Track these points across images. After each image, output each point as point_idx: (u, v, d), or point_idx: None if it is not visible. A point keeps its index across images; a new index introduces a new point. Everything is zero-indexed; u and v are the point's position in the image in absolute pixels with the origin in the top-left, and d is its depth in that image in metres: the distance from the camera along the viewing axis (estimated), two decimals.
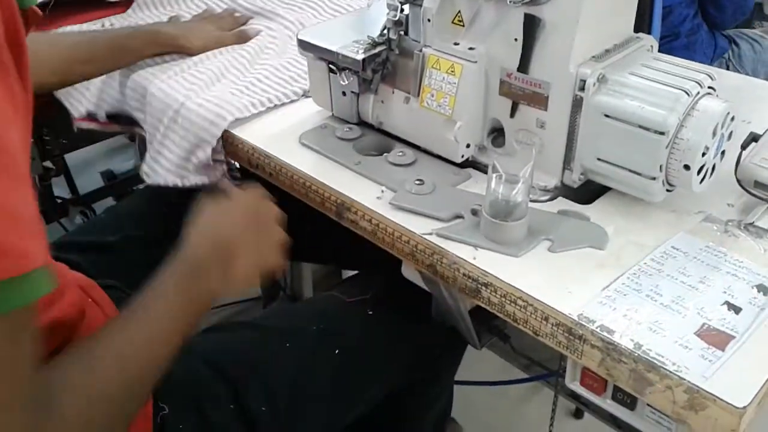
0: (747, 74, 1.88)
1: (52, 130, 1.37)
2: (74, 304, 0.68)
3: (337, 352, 0.86)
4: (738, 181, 0.76)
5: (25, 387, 0.48)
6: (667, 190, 0.74)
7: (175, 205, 1.04)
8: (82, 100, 1.13)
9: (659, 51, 0.82)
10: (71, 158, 1.75)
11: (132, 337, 0.60)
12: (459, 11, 0.81)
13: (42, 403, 0.50)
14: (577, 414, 1.56)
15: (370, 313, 0.91)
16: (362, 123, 0.94)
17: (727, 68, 1.90)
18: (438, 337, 0.98)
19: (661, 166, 0.71)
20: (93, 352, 0.57)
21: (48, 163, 1.43)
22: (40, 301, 0.48)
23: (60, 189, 1.83)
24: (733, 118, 0.73)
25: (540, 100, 0.77)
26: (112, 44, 1.06)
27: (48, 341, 0.58)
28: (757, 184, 0.76)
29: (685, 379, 0.56)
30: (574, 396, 1.27)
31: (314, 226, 0.93)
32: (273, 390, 0.80)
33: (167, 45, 1.08)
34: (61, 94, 1.13)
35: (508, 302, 0.68)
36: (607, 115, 0.73)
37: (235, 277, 0.69)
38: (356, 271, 1.16)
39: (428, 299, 0.90)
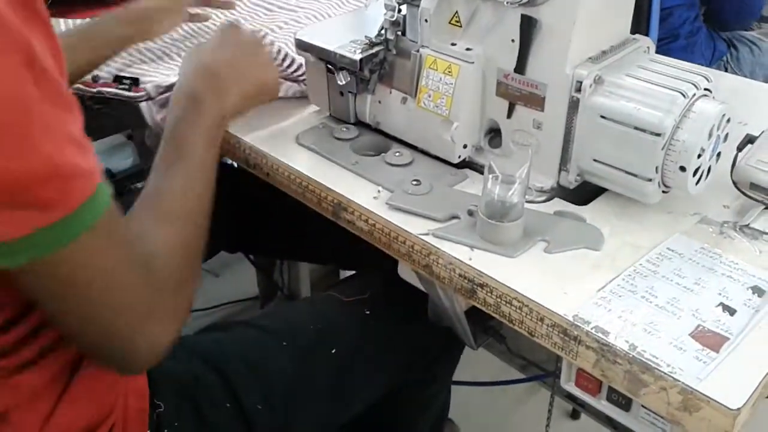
0: (745, 77, 1.88)
1: None
2: None
3: (334, 351, 0.86)
4: (734, 182, 0.77)
5: (131, 261, 0.58)
6: (663, 192, 0.74)
7: None
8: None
9: (658, 52, 0.83)
10: None
11: (180, 183, 0.69)
12: (456, 12, 0.81)
13: (144, 266, 0.60)
14: (574, 415, 1.56)
15: (368, 312, 0.91)
16: (359, 123, 0.94)
17: (726, 71, 1.90)
18: (435, 338, 0.98)
19: (656, 168, 0.71)
20: (160, 206, 0.67)
21: None
22: None
23: None
24: (729, 120, 0.73)
25: (537, 101, 0.78)
26: (85, 32, 1.01)
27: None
28: (753, 186, 0.76)
29: (679, 381, 0.56)
30: (570, 397, 1.27)
31: (311, 226, 0.93)
32: (270, 389, 0.80)
33: (132, 15, 1.02)
34: None
35: (504, 303, 0.68)
36: (603, 117, 0.73)
37: (232, 101, 0.78)
38: (354, 271, 1.16)
39: (426, 299, 0.90)
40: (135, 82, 1.04)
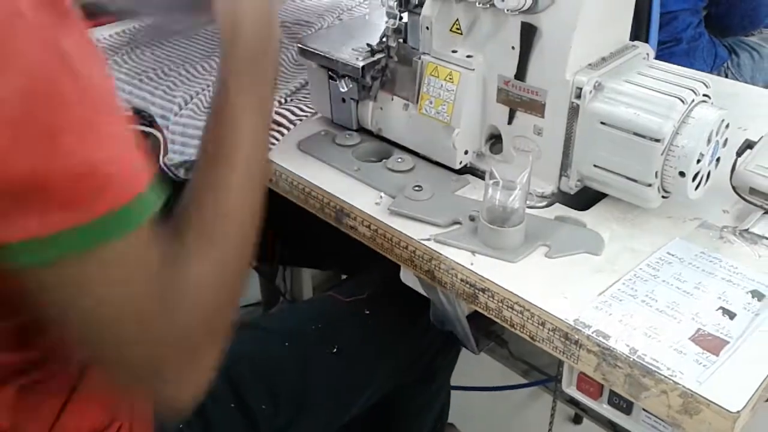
0: (746, 83, 1.88)
1: None
2: None
3: (335, 350, 0.86)
4: (733, 187, 0.77)
5: (159, 279, 0.51)
6: (663, 197, 0.75)
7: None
8: None
9: (660, 56, 0.83)
10: None
11: (227, 195, 0.58)
12: (457, 19, 0.82)
13: (172, 296, 0.52)
14: (576, 420, 1.56)
15: (367, 312, 0.92)
16: (361, 129, 0.95)
17: (726, 77, 1.91)
18: (434, 337, 0.98)
19: (656, 173, 0.72)
20: (202, 224, 0.56)
21: None
22: None
23: None
24: (728, 126, 0.73)
25: (537, 108, 0.78)
26: None
27: None
28: (752, 191, 0.76)
29: (679, 384, 0.57)
30: (572, 402, 1.27)
31: (313, 231, 0.94)
32: (273, 388, 0.81)
33: None
34: None
35: (506, 307, 0.68)
36: (603, 122, 0.73)
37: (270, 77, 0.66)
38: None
39: (426, 303, 0.91)
40: (152, 118, 1.04)
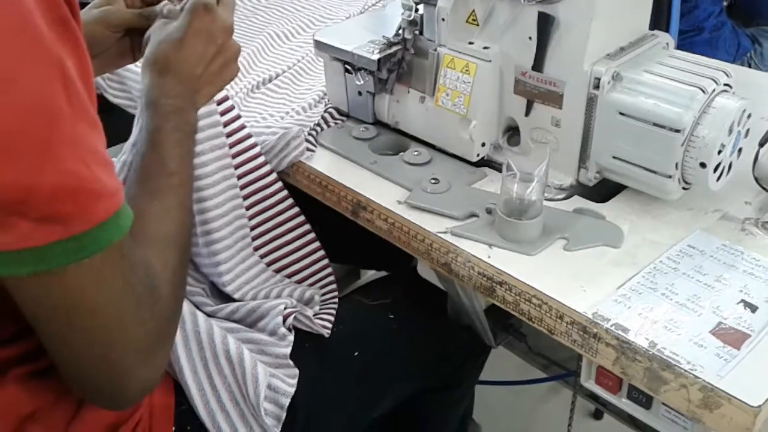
0: None
1: None
2: None
3: (357, 354, 0.86)
4: (755, 178, 0.76)
5: (139, 291, 0.56)
6: (684, 188, 0.74)
7: None
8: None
9: (682, 45, 0.82)
10: None
11: (167, 203, 0.64)
12: (473, 10, 0.81)
13: (149, 297, 0.57)
14: (597, 415, 1.55)
15: (392, 317, 0.91)
16: (378, 122, 0.95)
17: (749, 66, 1.88)
18: (460, 343, 0.98)
19: (676, 164, 0.71)
20: (153, 230, 0.62)
21: None
22: None
23: None
24: (750, 116, 0.72)
25: (555, 99, 0.77)
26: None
27: None
28: None
29: (699, 378, 0.56)
30: (593, 396, 1.26)
31: (330, 225, 0.94)
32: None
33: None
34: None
35: (523, 300, 0.68)
36: (622, 113, 0.72)
37: (201, 103, 0.73)
38: (374, 270, 1.16)
39: (446, 300, 0.90)
40: None
